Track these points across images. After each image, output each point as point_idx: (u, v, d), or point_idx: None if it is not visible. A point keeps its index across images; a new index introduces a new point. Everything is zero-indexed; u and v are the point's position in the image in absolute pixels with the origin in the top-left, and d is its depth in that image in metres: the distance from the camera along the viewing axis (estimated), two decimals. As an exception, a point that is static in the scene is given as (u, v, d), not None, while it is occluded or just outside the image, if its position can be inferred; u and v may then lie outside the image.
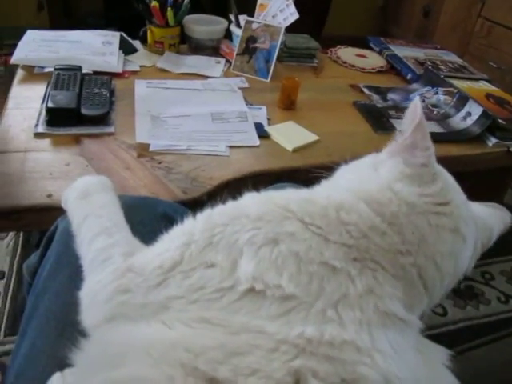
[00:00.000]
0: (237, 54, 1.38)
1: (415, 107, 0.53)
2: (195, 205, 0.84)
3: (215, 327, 0.41)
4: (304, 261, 0.44)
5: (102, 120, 1.03)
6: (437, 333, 1.39)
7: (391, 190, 0.50)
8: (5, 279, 1.39)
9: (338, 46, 1.68)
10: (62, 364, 0.46)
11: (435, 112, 1.29)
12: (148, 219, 0.63)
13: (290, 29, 1.39)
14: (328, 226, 0.47)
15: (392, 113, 1.27)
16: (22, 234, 1.54)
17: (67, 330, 0.52)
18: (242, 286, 0.43)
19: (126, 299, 0.46)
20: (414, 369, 0.43)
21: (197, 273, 0.45)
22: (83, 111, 1.01)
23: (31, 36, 1.34)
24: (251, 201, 0.52)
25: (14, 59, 1.23)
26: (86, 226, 0.56)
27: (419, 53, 1.67)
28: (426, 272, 0.48)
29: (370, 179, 0.53)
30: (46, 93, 1.10)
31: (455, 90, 1.33)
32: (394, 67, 1.57)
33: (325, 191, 0.54)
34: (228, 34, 1.50)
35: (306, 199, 0.50)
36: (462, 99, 1.29)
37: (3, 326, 1.26)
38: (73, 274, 0.54)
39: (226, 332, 0.41)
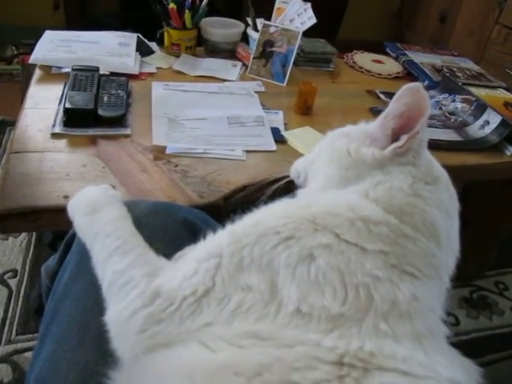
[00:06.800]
0: (253, 58, 1.37)
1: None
2: (212, 209, 0.84)
3: (266, 341, 0.40)
4: (347, 274, 0.44)
5: (119, 121, 1.03)
6: (448, 342, 1.38)
7: (415, 195, 0.51)
8: (17, 277, 1.40)
9: (355, 51, 1.67)
10: (85, 370, 0.46)
11: (452, 120, 1.28)
12: (168, 225, 0.62)
13: (304, 32, 1.38)
14: (359, 236, 0.47)
15: (409, 120, 1.26)
16: (34, 233, 1.54)
17: (88, 337, 0.52)
18: (289, 309, 0.42)
19: (159, 330, 0.45)
20: (464, 371, 0.44)
21: (233, 299, 0.44)
22: (100, 112, 1.01)
23: (49, 36, 1.34)
24: (273, 214, 0.50)
25: (32, 59, 1.23)
26: (97, 246, 0.55)
27: (436, 59, 1.65)
28: (451, 266, 0.52)
29: (382, 184, 0.52)
30: (63, 93, 1.11)
31: (473, 98, 1.32)
32: (411, 73, 1.56)
33: (336, 198, 0.53)
34: (244, 38, 1.50)
35: (327, 211, 0.49)
36: (480, 107, 1.28)
37: (15, 324, 1.26)
38: (94, 279, 0.54)
39: (278, 345, 0.40)
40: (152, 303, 0.46)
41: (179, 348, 0.43)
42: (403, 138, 0.53)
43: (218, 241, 0.50)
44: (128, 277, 0.49)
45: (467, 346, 1.39)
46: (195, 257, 0.49)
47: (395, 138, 0.54)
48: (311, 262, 0.44)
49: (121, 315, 0.47)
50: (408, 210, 0.50)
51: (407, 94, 0.53)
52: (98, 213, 0.59)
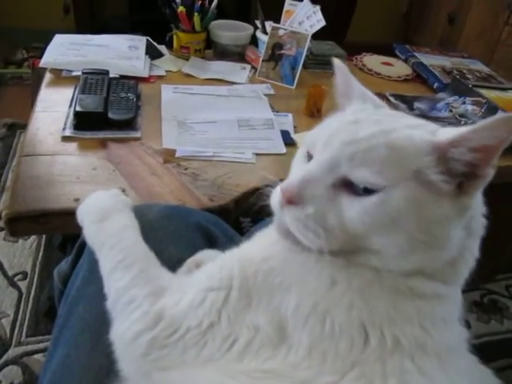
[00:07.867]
0: (262, 61, 1.37)
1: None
2: (222, 212, 0.84)
3: (283, 378, 0.39)
4: (369, 326, 0.41)
5: (129, 124, 1.03)
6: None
7: (464, 249, 0.47)
8: (27, 279, 1.40)
9: (364, 54, 1.66)
10: (98, 375, 0.46)
11: (463, 122, 1.27)
12: (182, 229, 0.62)
13: (313, 34, 1.37)
14: (381, 290, 0.44)
15: (419, 122, 1.25)
16: (44, 235, 1.55)
17: (102, 342, 0.51)
18: (299, 354, 0.41)
19: (163, 354, 0.44)
20: None
21: (240, 338, 0.43)
22: (110, 115, 1.02)
23: (59, 40, 1.35)
24: (278, 254, 0.47)
25: (42, 63, 1.24)
26: (103, 257, 0.55)
27: (446, 61, 1.64)
28: None
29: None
30: (73, 96, 1.11)
31: (484, 100, 1.31)
32: (421, 76, 1.55)
33: None
34: (253, 40, 1.50)
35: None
36: (491, 110, 1.26)
37: (25, 326, 1.27)
38: None
39: (294, 382, 0.39)
40: (155, 326, 0.45)
41: (193, 370, 0.42)
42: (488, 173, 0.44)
43: (228, 271, 0.47)
44: (131, 296, 0.48)
45: (478, 351, 1.37)
46: (203, 285, 0.48)
47: None
48: (326, 317, 0.42)
49: (124, 336, 0.47)
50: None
51: (503, 126, 0.40)
52: (105, 221, 0.58)
